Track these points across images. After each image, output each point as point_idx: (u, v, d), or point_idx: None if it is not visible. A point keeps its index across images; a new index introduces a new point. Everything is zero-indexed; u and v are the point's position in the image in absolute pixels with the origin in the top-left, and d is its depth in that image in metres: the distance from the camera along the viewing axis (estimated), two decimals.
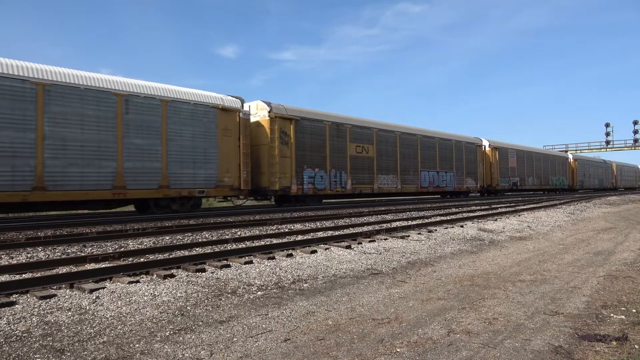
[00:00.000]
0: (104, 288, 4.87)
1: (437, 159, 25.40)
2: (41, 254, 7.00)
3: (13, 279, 5.12)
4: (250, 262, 6.47)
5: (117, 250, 7.27)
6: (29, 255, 6.89)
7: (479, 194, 31.47)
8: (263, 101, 16.82)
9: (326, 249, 7.70)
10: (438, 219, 13.21)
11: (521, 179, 34.13)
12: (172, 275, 5.53)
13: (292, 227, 10.76)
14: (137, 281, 5.22)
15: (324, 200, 19.88)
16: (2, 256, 6.74)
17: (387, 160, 21.85)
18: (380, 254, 7.57)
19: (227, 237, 8.75)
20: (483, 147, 30.34)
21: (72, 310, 4.19)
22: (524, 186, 34.59)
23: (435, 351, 3.31)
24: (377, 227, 10.78)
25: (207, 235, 9.27)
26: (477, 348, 3.37)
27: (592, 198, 30.01)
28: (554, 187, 40.19)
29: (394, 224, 11.61)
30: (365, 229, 10.27)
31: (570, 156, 45.99)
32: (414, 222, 11.68)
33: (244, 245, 7.70)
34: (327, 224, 11.70)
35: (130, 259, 6.54)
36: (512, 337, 3.63)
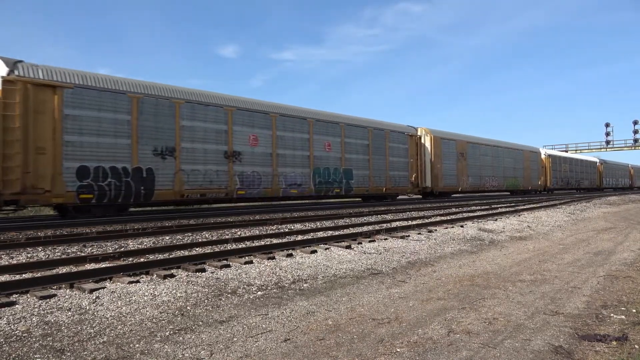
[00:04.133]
0: (104, 288, 4.87)
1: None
2: (41, 254, 7.00)
3: (13, 279, 5.12)
4: (250, 262, 6.47)
5: (117, 250, 7.27)
6: (29, 255, 6.89)
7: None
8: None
9: (326, 249, 7.70)
10: (438, 219, 13.22)
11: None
12: (172, 275, 5.53)
13: (292, 227, 10.76)
14: (137, 281, 5.22)
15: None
16: (2, 256, 6.74)
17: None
18: (380, 254, 7.57)
19: (227, 237, 8.75)
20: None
21: (72, 310, 4.19)
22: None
23: (435, 351, 3.31)
24: (377, 227, 10.78)
25: (207, 235, 9.27)
26: (477, 348, 3.37)
27: (592, 198, 30.01)
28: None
29: (394, 224, 11.61)
30: (365, 229, 10.27)
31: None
32: (414, 222, 11.68)
33: (244, 245, 7.70)
34: (327, 224, 11.70)
35: (130, 259, 6.53)
36: (512, 337, 3.63)
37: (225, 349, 3.35)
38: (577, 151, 61.11)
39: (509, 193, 34.66)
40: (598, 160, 50.97)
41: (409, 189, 23.21)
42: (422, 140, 24.57)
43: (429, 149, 24.79)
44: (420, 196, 26.05)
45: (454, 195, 28.65)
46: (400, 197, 24.99)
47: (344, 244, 8.17)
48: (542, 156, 38.39)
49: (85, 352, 3.27)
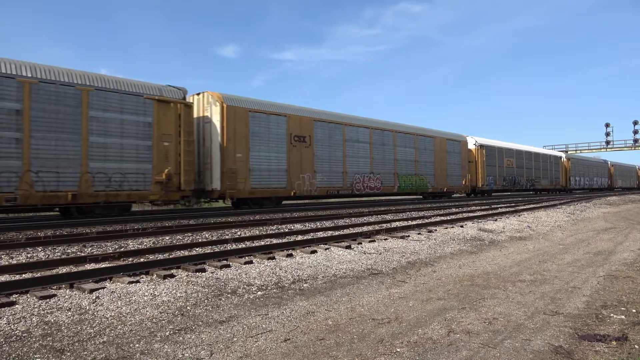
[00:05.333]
0: (104, 288, 4.87)
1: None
2: (41, 254, 7.00)
3: (13, 279, 5.12)
4: (250, 262, 6.47)
5: (117, 250, 7.27)
6: (29, 255, 6.89)
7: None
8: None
9: (326, 249, 7.70)
10: (438, 219, 13.21)
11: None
12: (172, 275, 5.53)
13: (292, 227, 10.76)
14: (137, 281, 5.22)
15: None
16: (2, 256, 6.74)
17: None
18: (380, 254, 7.57)
19: (227, 237, 8.75)
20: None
21: (72, 310, 4.19)
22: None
23: (435, 351, 3.31)
24: (377, 227, 10.78)
25: (207, 235, 9.27)
26: (477, 348, 3.37)
27: (592, 198, 30.02)
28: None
29: (394, 224, 11.61)
30: (365, 229, 10.27)
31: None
32: (414, 222, 11.68)
33: (244, 245, 7.69)
34: (327, 224, 11.70)
35: (130, 259, 6.53)
36: (512, 337, 3.63)
37: (225, 349, 3.35)
38: (577, 151, 61.10)
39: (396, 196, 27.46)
40: (564, 156, 42.56)
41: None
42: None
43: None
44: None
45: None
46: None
47: (344, 244, 8.17)
48: (471, 146, 28.69)
49: (85, 352, 3.26)
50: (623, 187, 58.26)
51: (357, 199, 25.74)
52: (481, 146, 29.40)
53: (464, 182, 27.15)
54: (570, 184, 41.59)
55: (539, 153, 37.75)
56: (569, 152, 57.74)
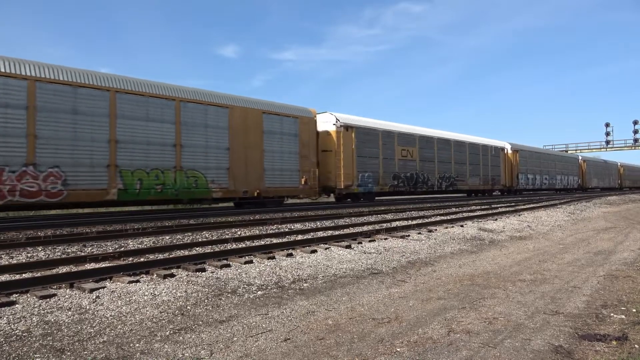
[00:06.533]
0: (104, 288, 4.87)
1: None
2: (41, 253, 7.00)
3: (13, 278, 5.11)
4: (250, 261, 6.47)
5: (117, 250, 7.27)
6: (29, 255, 6.89)
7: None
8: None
9: (326, 248, 7.70)
10: (438, 218, 13.22)
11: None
12: (172, 275, 5.53)
13: (292, 227, 10.76)
14: (137, 281, 5.22)
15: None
16: (2, 256, 6.74)
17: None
18: (380, 253, 7.57)
19: (227, 236, 8.75)
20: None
21: (72, 309, 4.19)
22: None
23: (435, 351, 3.31)
24: (377, 226, 10.78)
25: (207, 234, 9.27)
26: (477, 348, 3.37)
27: (592, 198, 30.01)
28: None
29: (394, 224, 11.61)
30: (365, 228, 10.27)
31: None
32: (414, 222, 11.68)
33: (244, 245, 7.69)
34: (327, 223, 11.70)
35: (130, 259, 6.53)
36: (512, 336, 3.63)
37: (225, 349, 3.35)
38: (577, 151, 61.08)
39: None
40: (509, 147, 32.58)
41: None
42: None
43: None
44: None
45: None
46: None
47: (344, 243, 8.17)
48: (329, 127, 18.99)
49: (86, 352, 3.26)
50: (602, 188, 50.31)
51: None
52: (347, 128, 19.22)
53: (303, 181, 17.40)
54: (519, 183, 32.89)
55: (465, 142, 27.54)
56: (568, 152, 57.50)
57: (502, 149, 31.91)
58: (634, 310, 4.42)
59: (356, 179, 19.64)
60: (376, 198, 21.95)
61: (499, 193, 33.11)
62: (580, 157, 46.51)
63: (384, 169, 21.36)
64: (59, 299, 4.46)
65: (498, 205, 19.65)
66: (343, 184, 18.95)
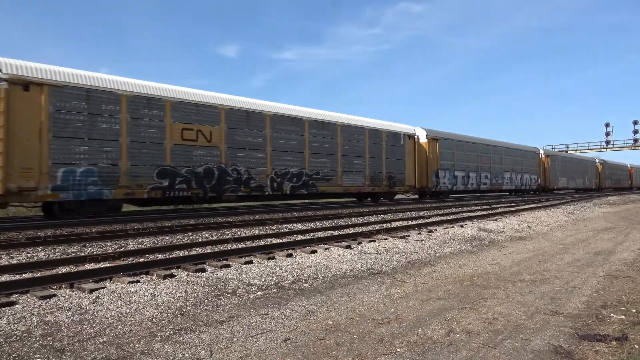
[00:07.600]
0: (104, 288, 4.87)
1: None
2: (41, 254, 7.00)
3: (13, 279, 5.11)
4: (250, 262, 6.47)
5: (117, 250, 7.27)
6: (29, 255, 6.89)
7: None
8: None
9: (326, 248, 7.70)
10: (438, 218, 13.21)
11: None
12: (172, 275, 5.53)
13: (292, 227, 10.76)
14: (137, 281, 5.22)
15: None
16: (2, 256, 6.74)
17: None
18: (380, 253, 7.57)
19: (227, 237, 8.75)
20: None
21: (72, 310, 4.19)
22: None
23: (435, 351, 3.31)
24: (377, 227, 10.78)
25: (207, 235, 9.27)
26: (477, 348, 3.38)
27: (592, 198, 30.02)
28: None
29: (394, 224, 11.61)
30: (365, 228, 10.26)
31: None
32: (414, 222, 11.67)
33: (244, 245, 7.69)
34: (327, 223, 11.70)
35: (130, 259, 6.53)
36: (512, 337, 3.63)
37: (225, 349, 3.35)
38: (577, 151, 61.09)
39: None
40: (423, 135, 24.14)
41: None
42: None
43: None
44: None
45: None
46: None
47: (344, 243, 8.17)
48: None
49: (85, 352, 3.27)
50: (576, 189, 42.47)
51: None
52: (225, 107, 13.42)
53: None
54: (438, 183, 24.66)
55: (336, 123, 18.93)
56: (568, 152, 57.19)
57: (410, 136, 23.18)
58: (634, 310, 4.42)
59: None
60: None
61: (404, 196, 25.83)
62: (541, 151, 37.73)
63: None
64: (59, 299, 4.46)
65: (498, 206, 19.66)
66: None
